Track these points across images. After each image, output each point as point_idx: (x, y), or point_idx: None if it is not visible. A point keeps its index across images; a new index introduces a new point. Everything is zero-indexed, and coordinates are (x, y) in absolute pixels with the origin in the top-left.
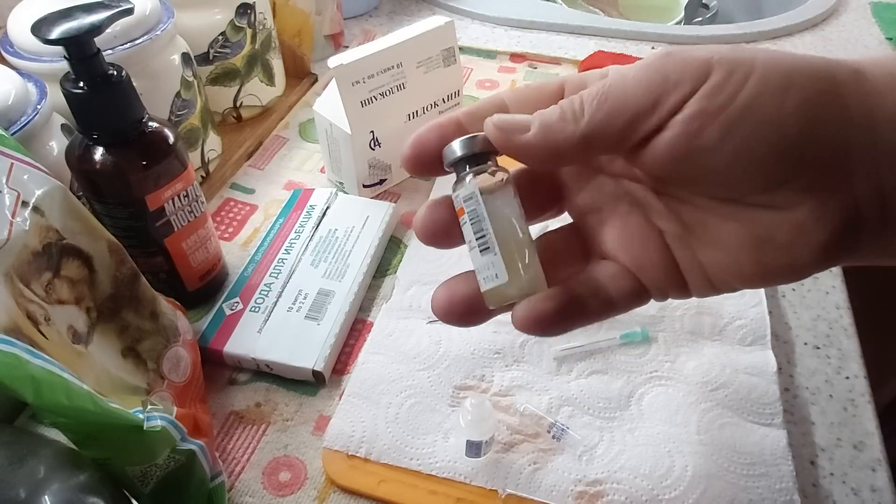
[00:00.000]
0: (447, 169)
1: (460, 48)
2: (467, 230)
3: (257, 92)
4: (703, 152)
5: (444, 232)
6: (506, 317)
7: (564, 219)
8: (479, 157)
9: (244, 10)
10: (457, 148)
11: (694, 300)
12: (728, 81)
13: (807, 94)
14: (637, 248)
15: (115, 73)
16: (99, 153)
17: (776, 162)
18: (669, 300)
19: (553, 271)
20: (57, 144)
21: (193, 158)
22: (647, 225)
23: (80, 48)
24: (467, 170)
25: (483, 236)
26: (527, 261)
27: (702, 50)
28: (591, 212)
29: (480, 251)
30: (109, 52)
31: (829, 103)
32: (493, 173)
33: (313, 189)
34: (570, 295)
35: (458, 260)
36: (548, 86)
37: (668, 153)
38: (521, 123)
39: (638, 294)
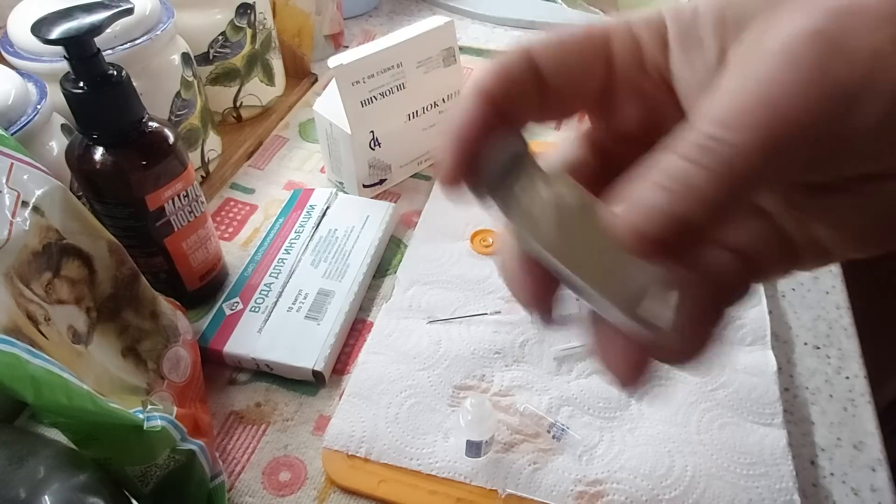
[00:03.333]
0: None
1: (460, 48)
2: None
3: (257, 92)
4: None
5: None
6: (506, 317)
7: None
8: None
9: (244, 10)
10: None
11: None
12: None
13: None
14: (742, 234)
15: (115, 73)
16: (99, 153)
17: None
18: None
19: None
20: (57, 144)
21: (193, 158)
22: (755, 210)
23: (80, 48)
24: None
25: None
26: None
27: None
28: None
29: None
30: (109, 52)
31: None
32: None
33: (313, 189)
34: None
35: (459, 260)
36: (593, 37)
37: (873, 146)
38: (657, 220)
39: (743, 276)
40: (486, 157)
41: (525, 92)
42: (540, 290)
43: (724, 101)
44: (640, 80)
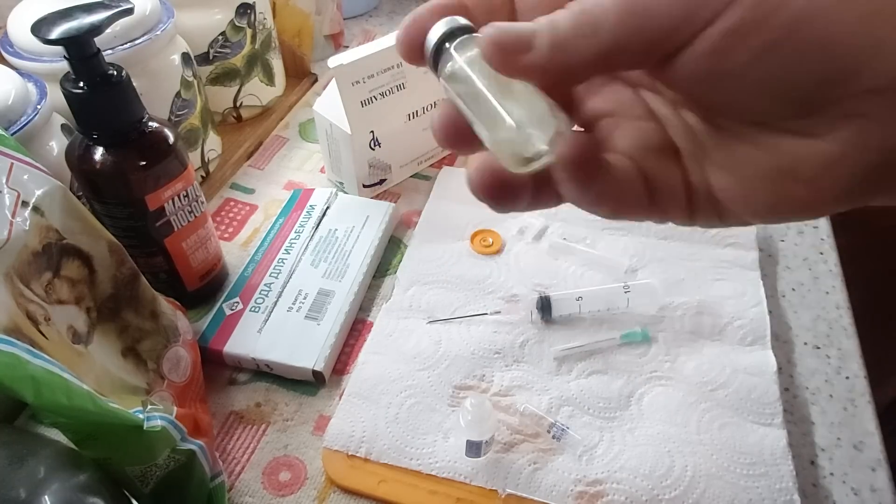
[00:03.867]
0: (427, 63)
1: None
2: (462, 111)
3: (257, 92)
4: (732, 74)
5: (461, 129)
6: (506, 317)
7: None
8: (455, 36)
9: (244, 10)
10: (434, 37)
11: (694, 299)
12: None
13: (871, 5)
14: (651, 159)
15: (115, 73)
16: (99, 153)
17: (820, 87)
18: (671, 300)
19: None
20: (57, 144)
21: (193, 158)
22: (664, 138)
23: (80, 48)
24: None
25: (470, 104)
26: (523, 105)
27: None
28: (604, 116)
29: (474, 122)
30: (109, 52)
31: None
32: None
33: (313, 189)
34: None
35: (459, 260)
36: None
37: (695, 73)
38: (524, 39)
39: (643, 205)
40: (434, 29)
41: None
42: (459, 133)
43: None
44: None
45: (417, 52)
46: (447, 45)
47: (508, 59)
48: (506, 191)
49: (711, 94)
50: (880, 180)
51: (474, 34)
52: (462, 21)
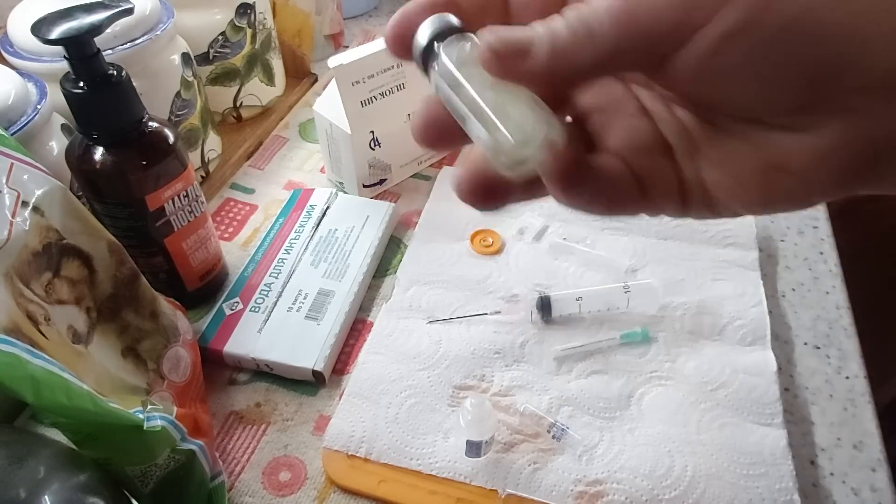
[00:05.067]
0: (416, 61)
1: None
2: (451, 111)
3: (257, 92)
4: (727, 73)
5: (444, 128)
6: (506, 317)
7: None
8: (447, 34)
9: (244, 10)
10: (422, 36)
11: (694, 299)
12: None
13: (859, 4)
14: (644, 156)
15: (115, 73)
16: (99, 153)
17: (811, 85)
18: (671, 300)
19: None
20: (57, 144)
21: (193, 158)
22: (656, 134)
23: (80, 48)
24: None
25: (455, 109)
26: (512, 111)
27: None
28: (596, 111)
29: (465, 123)
30: (109, 52)
31: (887, 12)
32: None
33: (313, 189)
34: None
35: (459, 260)
36: None
37: (690, 73)
38: (522, 45)
39: (636, 200)
40: (423, 27)
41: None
42: (441, 133)
43: None
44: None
45: (406, 50)
46: (436, 44)
47: (506, 66)
48: (493, 194)
49: (706, 93)
50: (868, 170)
51: (465, 33)
52: (452, 19)
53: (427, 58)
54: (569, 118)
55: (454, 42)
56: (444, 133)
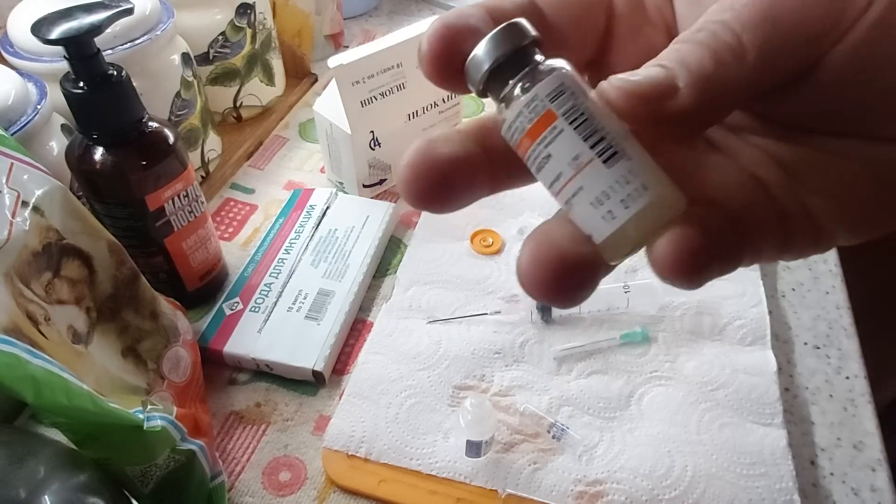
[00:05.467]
0: (474, 88)
1: None
2: (561, 147)
3: (257, 92)
4: (885, 66)
5: (446, 178)
6: (506, 317)
7: None
8: (522, 55)
9: (244, 10)
10: (487, 53)
11: (694, 299)
12: None
13: None
14: (737, 201)
15: (115, 73)
16: (99, 153)
17: None
18: (671, 300)
19: None
20: (57, 144)
21: (193, 158)
22: (739, 171)
23: (80, 48)
24: (513, 80)
25: (602, 138)
26: (648, 181)
27: None
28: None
29: (604, 162)
30: (109, 52)
31: None
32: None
33: (313, 189)
34: (719, 214)
35: (459, 260)
36: None
37: (846, 70)
38: (661, 84)
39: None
40: (474, 58)
41: (514, 14)
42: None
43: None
44: (639, 22)
45: (453, 73)
46: (517, 71)
47: (648, 110)
48: (577, 280)
49: (853, 95)
50: None
51: (551, 61)
52: (529, 31)
53: (498, 87)
54: None
55: (552, 72)
56: (444, 181)
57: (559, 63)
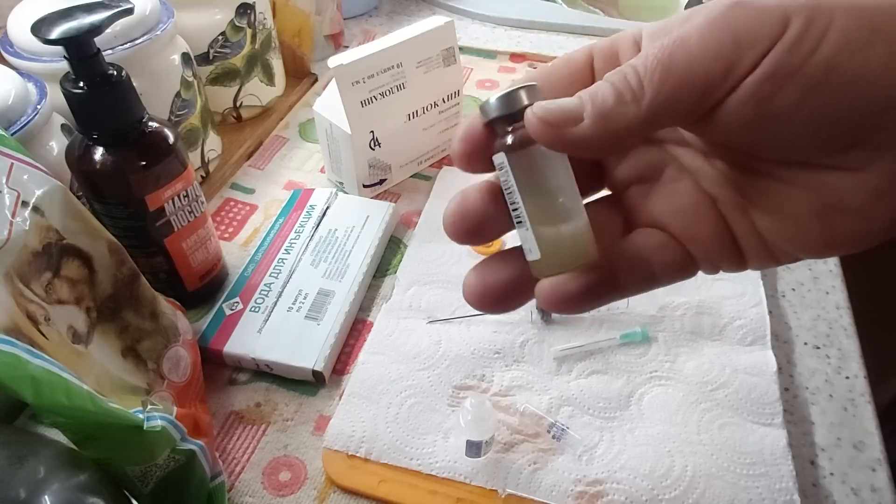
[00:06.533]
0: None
1: (460, 48)
2: (507, 199)
3: (257, 92)
4: (777, 117)
5: (478, 224)
6: (506, 317)
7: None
8: (516, 114)
9: (244, 10)
10: (492, 108)
11: (694, 299)
12: (807, 33)
13: (889, 51)
14: (688, 218)
15: (115, 73)
16: (99, 153)
17: (856, 123)
18: (671, 300)
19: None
20: (57, 144)
21: (193, 158)
22: (699, 193)
23: (80, 48)
24: (506, 130)
25: (515, 209)
26: (563, 233)
27: None
28: (635, 182)
29: (516, 223)
30: (109, 52)
31: None
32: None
33: (313, 189)
34: (603, 271)
35: (458, 260)
36: (574, 58)
37: (738, 120)
38: (570, 113)
39: (684, 266)
40: (486, 103)
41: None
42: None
43: (652, 55)
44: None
45: (479, 160)
46: (506, 128)
47: (556, 135)
48: (509, 301)
49: (756, 139)
50: None
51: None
52: (518, 103)
53: (497, 138)
54: (606, 192)
55: (503, 147)
56: (477, 227)
57: (515, 138)
